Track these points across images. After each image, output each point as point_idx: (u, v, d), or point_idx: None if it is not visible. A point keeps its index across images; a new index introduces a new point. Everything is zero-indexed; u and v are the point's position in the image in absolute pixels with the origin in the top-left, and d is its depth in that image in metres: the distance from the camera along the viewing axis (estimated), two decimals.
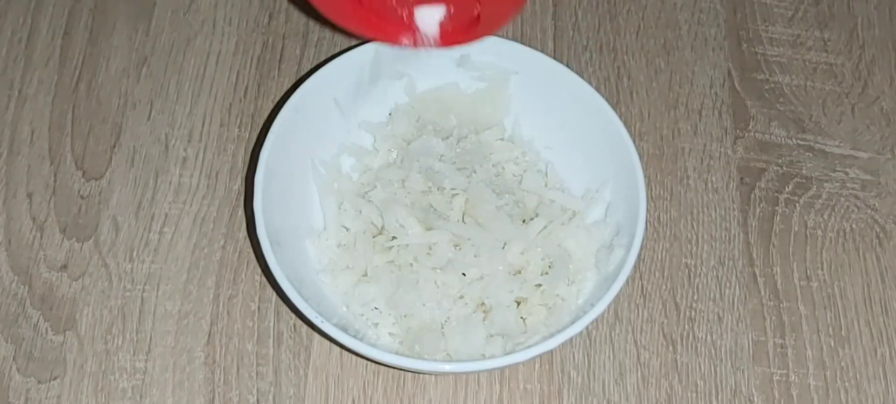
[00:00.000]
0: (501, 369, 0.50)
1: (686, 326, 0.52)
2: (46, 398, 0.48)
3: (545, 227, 0.50)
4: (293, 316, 0.51)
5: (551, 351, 0.50)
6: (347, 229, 0.51)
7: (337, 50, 0.60)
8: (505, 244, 0.49)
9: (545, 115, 0.54)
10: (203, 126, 0.57)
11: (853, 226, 0.55)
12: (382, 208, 0.50)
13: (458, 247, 0.49)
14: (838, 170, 0.57)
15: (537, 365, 0.50)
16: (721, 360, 0.51)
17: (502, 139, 0.54)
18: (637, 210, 0.48)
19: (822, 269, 0.54)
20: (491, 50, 0.53)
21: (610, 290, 0.45)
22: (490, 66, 0.54)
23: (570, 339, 0.46)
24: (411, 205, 0.50)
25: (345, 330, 0.44)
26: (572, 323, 0.45)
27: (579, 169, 0.53)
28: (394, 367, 0.48)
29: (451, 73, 0.54)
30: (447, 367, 0.46)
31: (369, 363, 0.50)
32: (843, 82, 0.60)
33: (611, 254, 0.49)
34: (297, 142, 0.51)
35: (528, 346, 0.45)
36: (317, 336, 0.50)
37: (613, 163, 0.51)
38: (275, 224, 0.47)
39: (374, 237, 0.50)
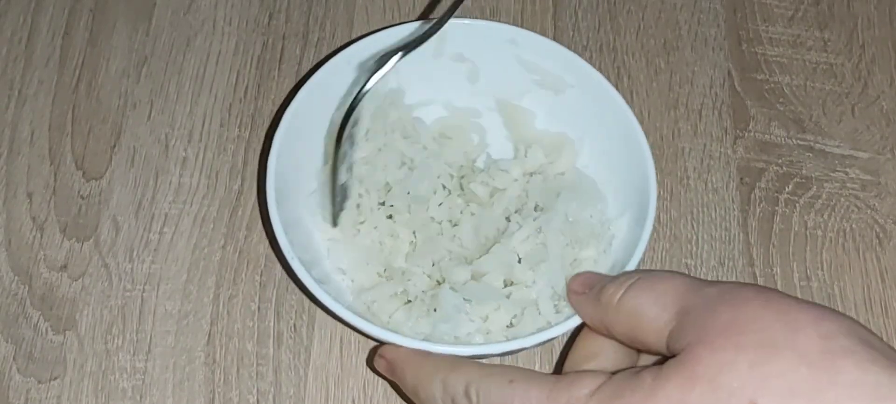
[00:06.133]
0: (501, 357, 0.49)
1: None
2: (46, 398, 0.48)
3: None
4: (293, 316, 0.51)
5: (552, 346, 0.50)
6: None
7: (337, 50, 0.60)
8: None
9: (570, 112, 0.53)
10: (203, 126, 0.57)
11: (853, 226, 0.55)
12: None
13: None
14: (838, 171, 0.57)
15: (539, 356, 0.50)
16: None
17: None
18: (646, 213, 0.47)
19: (822, 269, 0.54)
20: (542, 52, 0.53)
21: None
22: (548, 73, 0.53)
23: (572, 334, 0.46)
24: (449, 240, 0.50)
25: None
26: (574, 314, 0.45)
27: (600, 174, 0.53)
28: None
29: (506, 65, 0.53)
30: (466, 350, 0.44)
31: (368, 364, 0.50)
32: (843, 82, 0.60)
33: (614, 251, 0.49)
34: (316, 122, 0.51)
35: (531, 334, 0.45)
36: (317, 336, 0.50)
37: (627, 163, 0.50)
38: (289, 216, 0.47)
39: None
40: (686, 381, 0.34)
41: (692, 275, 0.53)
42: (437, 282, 0.49)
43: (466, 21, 0.53)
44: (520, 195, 0.51)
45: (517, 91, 0.54)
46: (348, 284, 0.50)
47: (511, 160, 0.53)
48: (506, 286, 0.48)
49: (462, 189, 0.52)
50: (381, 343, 0.45)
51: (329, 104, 0.51)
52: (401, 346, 0.43)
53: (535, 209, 0.50)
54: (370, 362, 0.50)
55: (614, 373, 0.38)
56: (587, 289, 0.43)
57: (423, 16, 0.62)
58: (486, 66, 0.54)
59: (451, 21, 0.49)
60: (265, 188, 0.47)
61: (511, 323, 0.47)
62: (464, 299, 0.47)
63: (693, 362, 0.34)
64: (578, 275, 0.45)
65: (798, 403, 0.32)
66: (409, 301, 0.49)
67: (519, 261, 0.48)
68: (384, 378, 0.46)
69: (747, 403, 0.33)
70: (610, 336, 0.42)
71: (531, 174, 0.52)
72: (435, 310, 0.47)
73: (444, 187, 0.52)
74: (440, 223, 0.51)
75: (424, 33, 0.46)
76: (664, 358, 0.37)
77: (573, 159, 0.53)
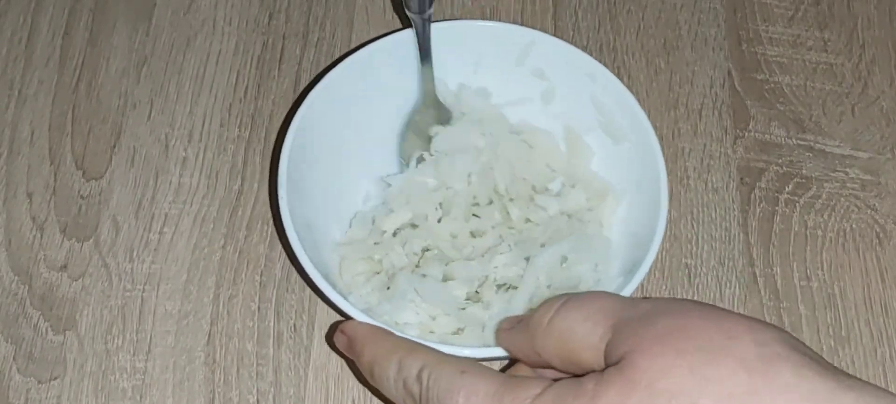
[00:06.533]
0: (503, 361, 0.49)
1: None
2: (46, 398, 0.48)
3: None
4: (293, 316, 0.51)
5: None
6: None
7: (337, 50, 0.60)
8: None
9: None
10: (203, 126, 0.57)
11: (853, 226, 0.55)
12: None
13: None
14: (838, 170, 0.57)
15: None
16: None
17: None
18: (656, 223, 0.47)
19: (822, 269, 0.54)
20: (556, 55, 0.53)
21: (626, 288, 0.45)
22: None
23: None
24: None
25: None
26: None
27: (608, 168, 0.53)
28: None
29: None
30: (466, 352, 0.44)
31: (328, 338, 0.50)
32: (843, 82, 0.60)
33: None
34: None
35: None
36: (317, 336, 0.50)
37: (643, 227, 0.50)
38: (301, 214, 0.47)
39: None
40: (626, 386, 0.34)
41: (692, 274, 0.53)
42: (416, 266, 0.49)
43: (556, 40, 0.52)
44: (546, 233, 0.50)
45: (584, 126, 0.53)
46: (334, 235, 0.50)
47: (554, 196, 0.52)
48: (468, 298, 0.48)
49: (502, 204, 0.52)
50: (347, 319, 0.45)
51: (341, 104, 0.52)
52: (362, 323, 0.44)
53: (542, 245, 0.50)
54: (329, 338, 0.50)
55: (557, 380, 0.38)
56: (515, 323, 0.43)
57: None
58: (563, 90, 0.53)
59: (541, 35, 0.51)
60: (276, 177, 0.47)
61: (457, 332, 0.47)
62: (415, 290, 0.47)
63: (632, 368, 0.35)
64: (505, 318, 0.45)
65: None
66: (378, 272, 0.49)
67: (493, 281, 0.48)
68: (340, 354, 0.46)
69: None
70: (544, 365, 0.41)
71: (568, 215, 0.51)
72: (388, 288, 0.47)
73: (491, 198, 0.52)
74: (467, 221, 0.50)
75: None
76: None
77: (612, 212, 0.51)
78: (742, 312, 0.51)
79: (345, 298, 0.44)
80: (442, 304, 0.47)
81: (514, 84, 0.54)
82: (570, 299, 0.40)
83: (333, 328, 0.49)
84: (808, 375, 0.33)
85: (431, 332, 0.47)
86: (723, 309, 0.36)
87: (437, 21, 0.52)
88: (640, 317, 0.36)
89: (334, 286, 0.44)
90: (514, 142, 0.53)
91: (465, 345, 0.45)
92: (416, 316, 0.47)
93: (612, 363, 0.36)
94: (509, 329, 0.43)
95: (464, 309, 0.47)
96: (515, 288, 0.48)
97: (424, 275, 0.48)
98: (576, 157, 0.53)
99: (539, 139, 0.53)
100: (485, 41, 0.53)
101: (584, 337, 0.38)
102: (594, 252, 0.49)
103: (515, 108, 0.54)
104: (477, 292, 0.48)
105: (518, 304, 0.47)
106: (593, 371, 0.37)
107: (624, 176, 0.51)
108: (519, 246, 0.49)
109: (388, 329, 0.43)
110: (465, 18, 0.58)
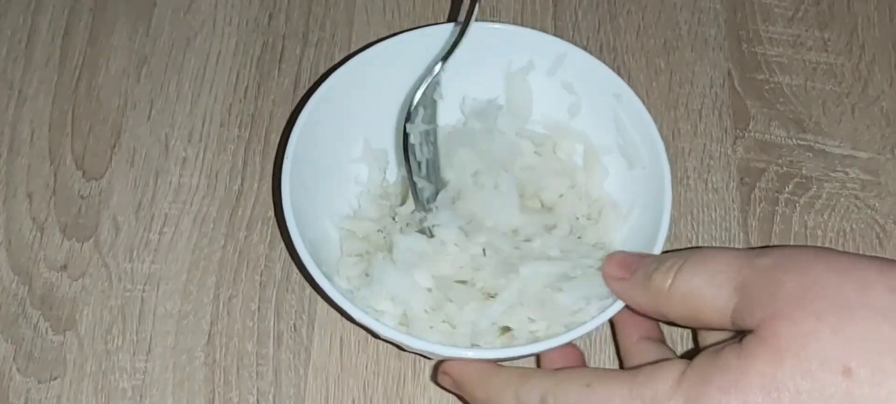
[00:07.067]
0: (503, 361, 0.49)
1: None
2: (46, 398, 0.48)
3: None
4: (293, 316, 0.51)
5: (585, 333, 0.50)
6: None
7: (337, 50, 0.60)
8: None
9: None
10: (203, 126, 0.57)
11: (853, 226, 0.55)
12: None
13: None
14: (838, 171, 0.57)
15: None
16: None
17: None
18: (659, 225, 0.47)
19: None
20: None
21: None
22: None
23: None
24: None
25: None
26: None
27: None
28: (423, 354, 0.48)
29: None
30: (469, 353, 0.44)
31: (369, 363, 0.50)
32: (843, 82, 0.60)
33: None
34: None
35: (536, 341, 0.44)
36: (317, 336, 0.50)
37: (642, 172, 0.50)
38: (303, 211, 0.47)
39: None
40: (774, 356, 0.34)
41: None
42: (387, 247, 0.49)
43: (587, 55, 0.52)
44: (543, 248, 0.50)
45: (603, 145, 0.53)
46: (334, 235, 0.50)
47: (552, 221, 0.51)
48: (430, 291, 0.48)
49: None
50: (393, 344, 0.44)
51: (347, 103, 0.52)
52: (468, 361, 0.43)
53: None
54: (434, 377, 0.49)
55: (691, 359, 0.38)
56: (627, 272, 0.43)
57: (422, 16, 0.62)
58: (588, 106, 0.53)
59: (574, 49, 0.51)
60: (280, 174, 0.47)
61: (405, 315, 0.47)
62: (367, 274, 0.47)
63: (774, 337, 0.34)
64: (611, 256, 0.44)
65: (887, 360, 0.33)
66: (365, 252, 0.49)
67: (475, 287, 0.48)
68: (452, 392, 0.46)
69: (841, 369, 0.33)
70: (663, 319, 0.42)
71: (570, 230, 0.50)
72: (367, 275, 0.48)
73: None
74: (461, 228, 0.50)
75: (457, 38, 0.47)
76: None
77: (616, 229, 0.51)
78: None
79: (347, 300, 0.44)
80: (403, 292, 0.47)
81: (543, 94, 0.53)
82: (688, 261, 0.40)
83: (436, 368, 0.47)
84: None
85: (403, 325, 0.47)
86: (844, 254, 0.36)
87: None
88: (766, 278, 0.36)
89: (331, 277, 0.44)
90: (526, 156, 0.53)
91: (492, 348, 0.44)
92: (391, 304, 0.47)
93: (745, 328, 0.36)
94: (622, 278, 0.43)
95: (432, 310, 0.47)
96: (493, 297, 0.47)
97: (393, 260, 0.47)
98: (590, 176, 0.53)
99: (560, 147, 0.53)
100: (520, 48, 0.53)
101: (710, 300, 0.38)
102: (584, 287, 0.46)
103: (542, 119, 0.54)
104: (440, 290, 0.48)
105: (492, 314, 0.46)
106: (721, 329, 0.37)
107: (631, 198, 0.51)
108: (507, 257, 0.48)
109: (494, 363, 0.43)
110: (500, 22, 0.57)
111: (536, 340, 0.46)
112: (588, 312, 0.45)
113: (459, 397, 0.47)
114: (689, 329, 0.41)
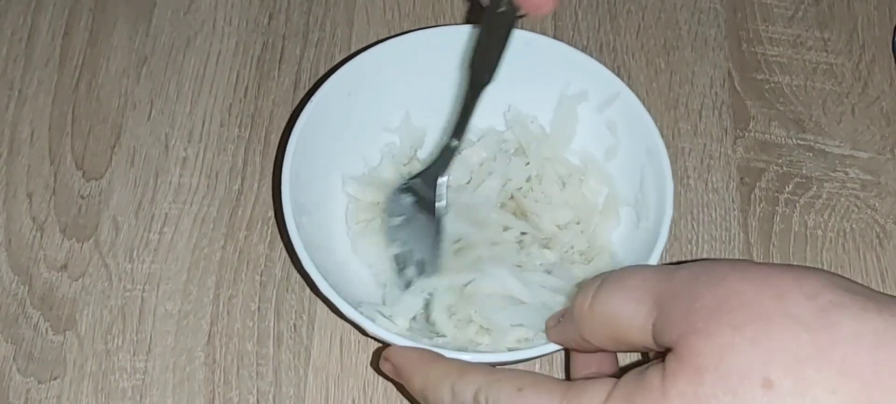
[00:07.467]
0: (503, 364, 0.49)
1: None
2: (46, 398, 0.48)
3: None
4: (293, 316, 0.51)
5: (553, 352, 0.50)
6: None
7: (337, 50, 0.60)
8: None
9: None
10: (203, 126, 0.57)
11: (853, 226, 0.55)
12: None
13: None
14: (838, 170, 0.57)
15: (537, 367, 0.50)
16: None
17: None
18: (661, 225, 0.47)
19: None
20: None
21: None
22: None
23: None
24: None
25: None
26: None
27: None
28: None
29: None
30: (487, 358, 0.44)
31: (369, 363, 0.50)
32: (843, 82, 0.60)
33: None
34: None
35: (535, 345, 0.44)
36: (317, 336, 0.50)
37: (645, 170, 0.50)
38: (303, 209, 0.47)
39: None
40: (694, 374, 0.33)
41: None
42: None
43: (638, 104, 0.51)
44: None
45: (624, 196, 0.52)
46: (335, 234, 0.51)
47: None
48: (399, 266, 0.50)
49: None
50: (384, 344, 0.45)
51: (345, 103, 0.52)
52: (407, 348, 0.43)
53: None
54: (375, 364, 0.50)
55: (619, 377, 0.37)
56: (559, 318, 0.43)
57: (423, 16, 0.62)
58: (624, 153, 0.52)
59: (627, 91, 0.51)
60: (280, 176, 0.47)
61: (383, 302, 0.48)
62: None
63: (692, 354, 0.34)
64: (552, 314, 0.44)
65: (808, 370, 0.32)
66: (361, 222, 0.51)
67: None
68: (387, 378, 0.46)
69: (762, 382, 0.32)
70: (594, 349, 0.41)
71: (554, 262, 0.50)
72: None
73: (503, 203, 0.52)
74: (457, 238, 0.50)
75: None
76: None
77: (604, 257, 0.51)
78: None
79: (351, 306, 0.44)
80: (376, 263, 0.49)
81: (587, 127, 0.53)
82: (605, 281, 0.39)
83: (376, 354, 0.48)
84: (868, 317, 0.32)
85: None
86: (759, 265, 0.35)
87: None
88: (683, 292, 0.36)
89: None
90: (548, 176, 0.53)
91: (485, 353, 0.45)
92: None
93: (664, 344, 0.35)
94: (555, 325, 0.43)
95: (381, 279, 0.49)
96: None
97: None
98: (604, 220, 0.52)
99: (586, 184, 0.53)
100: (578, 75, 0.53)
101: (629, 318, 0.37)
102: (526, 316, 0.46)
103: (579, 150, 0.54)
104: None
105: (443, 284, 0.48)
106: (646, 349, 0.37)
107: (629, 256, 0.50)
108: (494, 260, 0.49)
109: (435, 350, 0.43)
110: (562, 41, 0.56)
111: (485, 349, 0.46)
112: (531, 342, 0.45)
113: (396, 383, 0.47)
114: (620, 352, 0.41)
